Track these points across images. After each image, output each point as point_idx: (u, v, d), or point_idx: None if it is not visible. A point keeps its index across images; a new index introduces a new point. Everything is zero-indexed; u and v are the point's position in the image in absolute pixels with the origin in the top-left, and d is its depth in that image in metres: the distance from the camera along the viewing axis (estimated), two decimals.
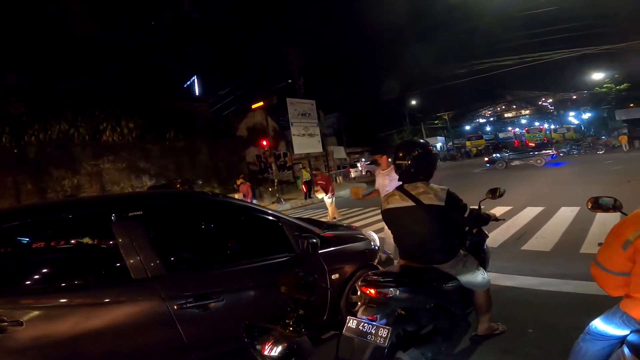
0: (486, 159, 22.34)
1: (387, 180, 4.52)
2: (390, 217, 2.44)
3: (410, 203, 2.27)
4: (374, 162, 6.63)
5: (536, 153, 19.46)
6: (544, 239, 5.23)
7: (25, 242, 1.99)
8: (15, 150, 13.04)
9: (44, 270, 1.99)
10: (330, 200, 9.93)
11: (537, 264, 4.21)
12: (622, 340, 1.51)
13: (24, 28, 16.94)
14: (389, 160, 4.48)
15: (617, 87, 36.18)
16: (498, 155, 20.99)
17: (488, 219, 2.50)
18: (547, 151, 19.38)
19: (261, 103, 17.06)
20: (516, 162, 19.28)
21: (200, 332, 2.07)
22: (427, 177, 2.39)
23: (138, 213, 2.14)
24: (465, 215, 2.31)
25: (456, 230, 2.52)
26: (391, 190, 2.50)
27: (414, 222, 2.30)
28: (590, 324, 1.64)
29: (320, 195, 10.40)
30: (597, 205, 1.97)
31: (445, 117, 51.62)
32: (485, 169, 20.75)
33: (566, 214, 6.56)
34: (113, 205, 2.18)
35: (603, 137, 29.30)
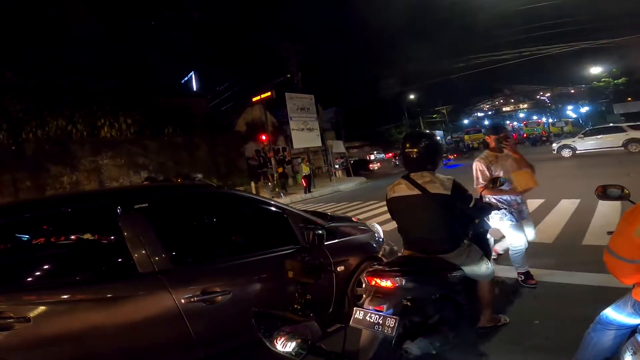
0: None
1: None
2: (395, 205, 2.44)
3: (416, 192, 2.27)
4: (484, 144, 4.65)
5: None
6: (546, 231, 5.23)
7: (31, 236, 1.97)
8: (13, 148, 12.97)
9: (50, 266, 1.97)
10: None
11: (540, 255, 4.20)
12: (634, 329, 1.50)
13: (20, 25, 16.78)
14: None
15: (615, 81, 36.11)
16: None
17: (491, 209, 2.51)
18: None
19: (268, 93, 16.78)
20: None
21: (208, 326, 2.06)
22: (434, 167, 2.40)
23: (144, 205, 2.12)
24: (471, 205, 2.32)
25: (460, 221, 2.53)
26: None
27: (420, 211, 2.30)
28: (601, 313, 1.63)
29: None
30: (605, 194, 1.98)
31: (444, 111, 51.59)
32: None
33: (567, 206, 6.55)
34: (119, 198, 2.17)
35: None
